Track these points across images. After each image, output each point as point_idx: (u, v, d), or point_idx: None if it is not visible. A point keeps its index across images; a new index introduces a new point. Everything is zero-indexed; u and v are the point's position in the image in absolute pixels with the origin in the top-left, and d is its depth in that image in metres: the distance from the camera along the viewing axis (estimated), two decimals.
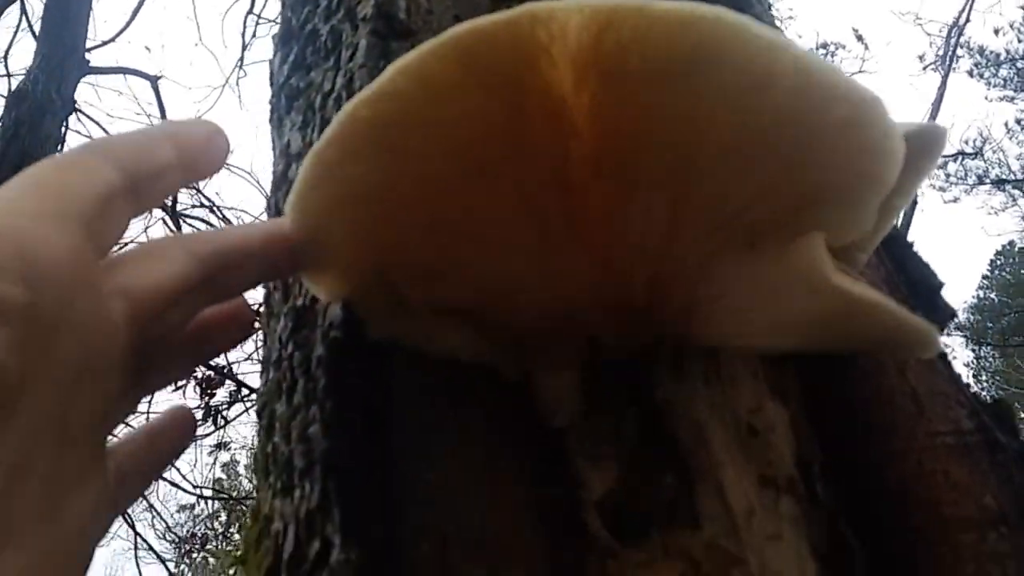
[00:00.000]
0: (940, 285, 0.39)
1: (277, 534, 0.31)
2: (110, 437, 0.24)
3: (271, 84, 0.52)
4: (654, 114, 0.24)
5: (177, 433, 0.28)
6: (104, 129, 3.92)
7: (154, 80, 3.85)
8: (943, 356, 0.35)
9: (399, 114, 0.24)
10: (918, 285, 0.39)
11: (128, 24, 3.84)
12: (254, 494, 0.38)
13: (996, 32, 8.24)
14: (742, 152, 0.24)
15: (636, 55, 0.22)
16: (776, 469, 0.32)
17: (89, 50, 3.49)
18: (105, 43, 3.79)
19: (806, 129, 0.23)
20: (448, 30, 0.23)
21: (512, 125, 0.25)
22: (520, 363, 0.33)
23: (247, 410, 3.71)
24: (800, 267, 0.24)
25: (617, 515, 0.31)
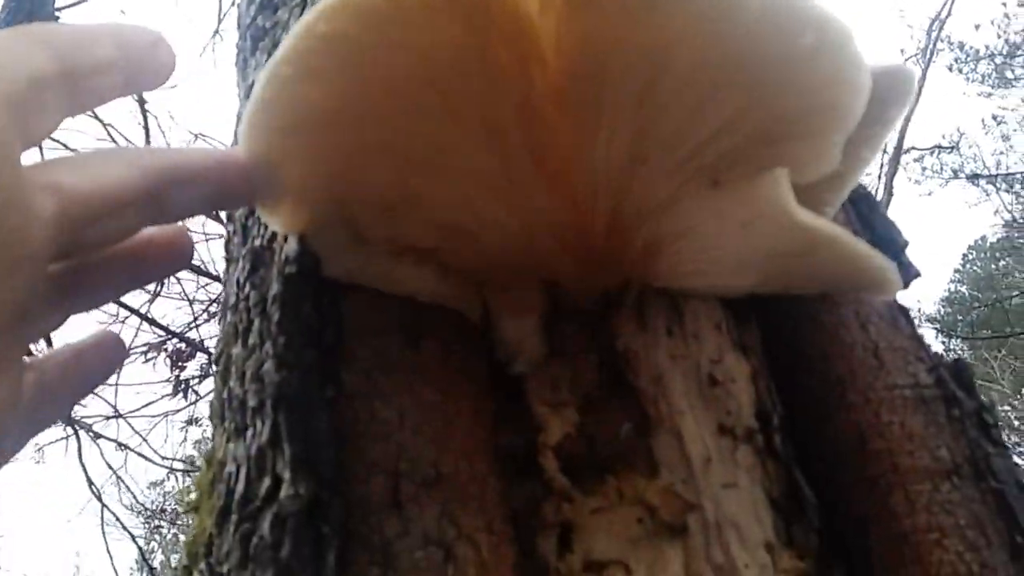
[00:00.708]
0: (905, 243, 0.39)
1: (229, 476, 0.31)
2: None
3: (238, 27, 0.50)
4: (621, 40, 0.24)
5: (105, 354, 0.27)
6: None
7: None
8: (905, 312, 0.35)
9: (362, 31, 0.24)
10: (884, 243, 0.38)
11: None
12: None
13: (976, 27, 8.31)
14: (707, 81, 0.24)
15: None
16: (735, 420, 0.32)
17: (59, 9, 3.37)
18: (77, 3, 3.67)
19: (772, 55, 0.23)
20: None
21: (478, 50, 0.24)
22: (481, 306, 0.33)
23: None
24: (764, 201, 0.24)
25: (574, 460, 0.31)
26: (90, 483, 3.22)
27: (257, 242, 0.35)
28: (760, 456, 0.32)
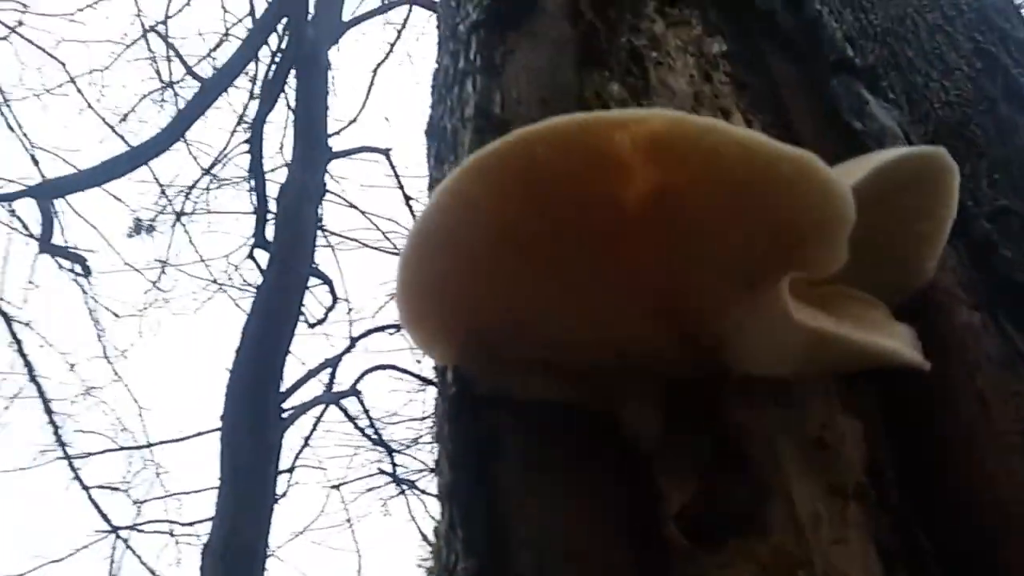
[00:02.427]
0: None
1: (439, 549, 0.41)
2: None
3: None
4: (687, 195, 0.30)
5: None
6: (354, 205, 4.52)
7: (386, 152, 4.33)
8: (1020, 355, 0.35)
9: (487, 189, 0.32)
10: (1003, 284, 0.39)
11: (359, 112, 4.38)
12: None
13: None
14: (730, 215, 0.29)
15: (688, 160, 0.28)
16: (845, 479, 0.35)
17: (331, 136, 4.05)
18: (340, 131, 4.37)
19: (760, 188, 0.28)
20: (551, 120, 0.30)
21: (584, 190, 0.31)
22: (603, 398, 0.40)
23: None
24: (774, 306, 0.28)
25: (695, 525, 0.36)
26: None
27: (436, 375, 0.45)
28: (871, 511, 0.34)
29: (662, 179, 0.29)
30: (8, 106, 4.45)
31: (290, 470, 3.87)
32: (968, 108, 0.70)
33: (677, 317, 0.34)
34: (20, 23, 4.56)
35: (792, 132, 0.49)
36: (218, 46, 4.67)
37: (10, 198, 3.49)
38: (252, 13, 4.38)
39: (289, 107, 3.87)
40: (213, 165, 4.67)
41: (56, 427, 4.11)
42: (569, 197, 0.31)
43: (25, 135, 4.38)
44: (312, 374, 4.02)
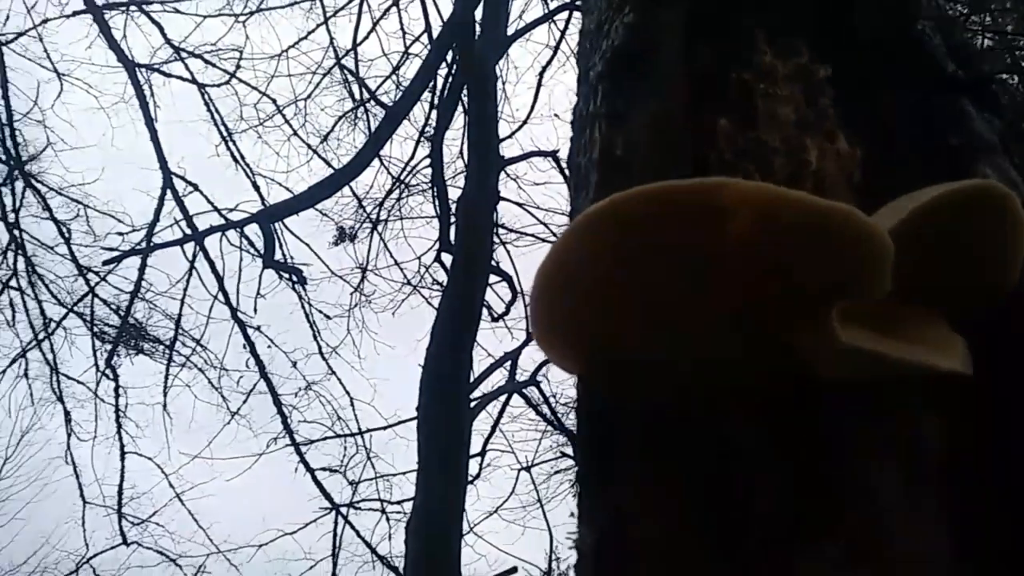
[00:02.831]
0: None
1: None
2: None
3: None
4: (773, 248, 0.37)
5: None
6: (525, 208, 4.75)
7: (553, 155, 4.49)
8: None
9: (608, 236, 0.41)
10: None
11: (528, 117, 4.60)
12: None
13: None
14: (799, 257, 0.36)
15: (780, 223, 0.35)
16: (924, 471, 0.40)
17: (501, 141, 4.28)
18: (511, 135, 4.61)
19: (819, 235, 0.34)
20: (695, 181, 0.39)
21: (706, 242, 0.39)
22: (705, 406, 0.47)
23: None
24: (829, 327, 0.35)
25: (786, 521, 0.43)
26: None
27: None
28: (949, 502, 0.39)
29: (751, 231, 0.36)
30: (233, 140, 5.15)
31: (481, 453, 4.18)
32: None
33: (762, 334, 0.41)
34: (239, 66, 5.23)
35: (895, 150, 0.53)
36: (399, 66, 5.09)
37: (240, 224, 4.09)
38: (428, 30, 4.73)
39: (466, 116, 4.15)
40: (402, 175, 5.09)
41: (284, 417, 4.70)
42: (668, 245, 0.39)
43: (247, 165, 5.05)
44: (496, 365, 4.28)
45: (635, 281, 0.42)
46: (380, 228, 5.18)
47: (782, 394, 0.44)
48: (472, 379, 3.29)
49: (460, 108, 4.51)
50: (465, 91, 3.43)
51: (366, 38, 4.98)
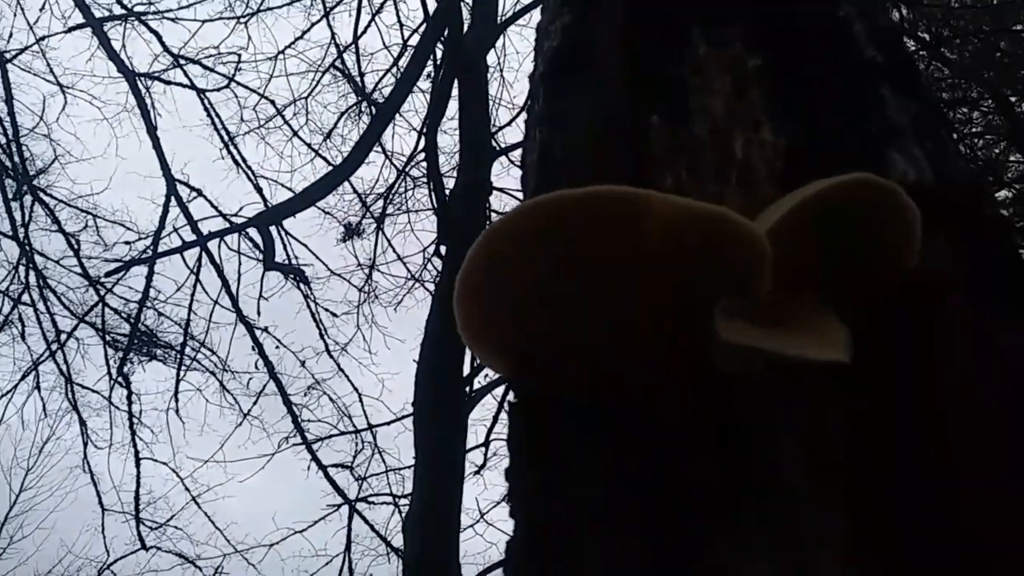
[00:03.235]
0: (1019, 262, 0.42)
1: None
2: None
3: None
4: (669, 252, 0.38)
5: None
6: (517, 198, 4.73)
7: None
8: (994, 338, 0.39)
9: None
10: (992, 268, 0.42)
11: (522, 110, 4.58)
12: None
13: None
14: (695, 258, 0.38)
15: (672, 228, 0.37)
16: (828, 454, 0.42)
17: (493, 134, 4.29)
18: (510, 122, 4.63)
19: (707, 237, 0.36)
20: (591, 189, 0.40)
21: (611, 245, 0.40)
22: (633, 396, 0.48)
23: None
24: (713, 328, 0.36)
25: (704, 497, 0.44)
26: None
27: None
28: (850, 483, 0.40)
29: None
30: (234, 144, 5.18)
31: (486, 443, 4.21)
32: None
33: (670, 332, 0.43)
34: (238, 69, 5.26)
35: (818, 137, 0.54)
36: (399, 58, 5.10)
37: (241, 228, 4.12)
38: (427, 19, 4.73)
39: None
40: (405, 167, 5.11)
41: (295, 416, 4.75)
42: (584, 249, 0.41)
43: (249, 167, 5.09)
44: None
45: (552, 284, 0.44)
46: (384, 223, 5.22)
47: (701, 385, 0.46)
48: (470, 370, 3.33)
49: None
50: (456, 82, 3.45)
51: (365, 31, 5.00)
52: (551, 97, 0.64)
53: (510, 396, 0.51)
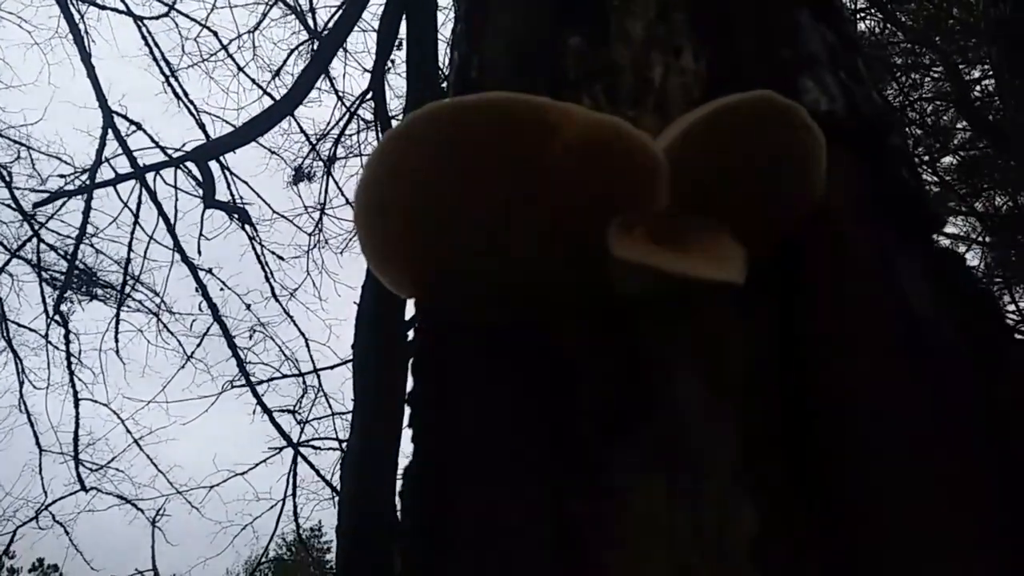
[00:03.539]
0: (919, 194, 0.42)
1: None
2: None
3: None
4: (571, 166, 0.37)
5: None
6: None
7: None
8: (889, 262, 0.39)
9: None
10: (893, 198, 0.42)
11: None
12: None
13: None
14: (592, 169, 0.36)
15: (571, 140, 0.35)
16: (725, 378, 0.41)
17: (445, 76, 4.17)
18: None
19: (608, 150, 0.34)
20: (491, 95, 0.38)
21: (511, 155, 0.39)
22: (537, 318, 0.47)
23: None
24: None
25: (603, 420, 0.44)
26: None
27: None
28: (744, 404, 0.40)
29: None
30: (175, 77, 4.96)
31: None
32: None
33: (569, 248, 0.42)
34: None
35: (739, 64, 0.53)
36: None
37: (178, 162, 3.97)
38: None
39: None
40: (354, 107, 4.97)
41: (240, 360, 4.68)
42: (492, 155, 0.39)
43: (191, 102, 4.88)
44: None
45: (453, 196, 0.42)
46: (334, 166, 5.09)
47: (601, 308, 0.45)
48: (412, 315, 3.30)
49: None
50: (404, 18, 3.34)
51: None
52: (470, 16, 0.61)
53: (418, 316, 0.50)
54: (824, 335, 0.39)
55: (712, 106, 0.36)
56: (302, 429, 4.63)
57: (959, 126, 6.47)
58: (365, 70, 4.54)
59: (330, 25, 4.67)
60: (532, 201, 0.40)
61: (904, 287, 0.38)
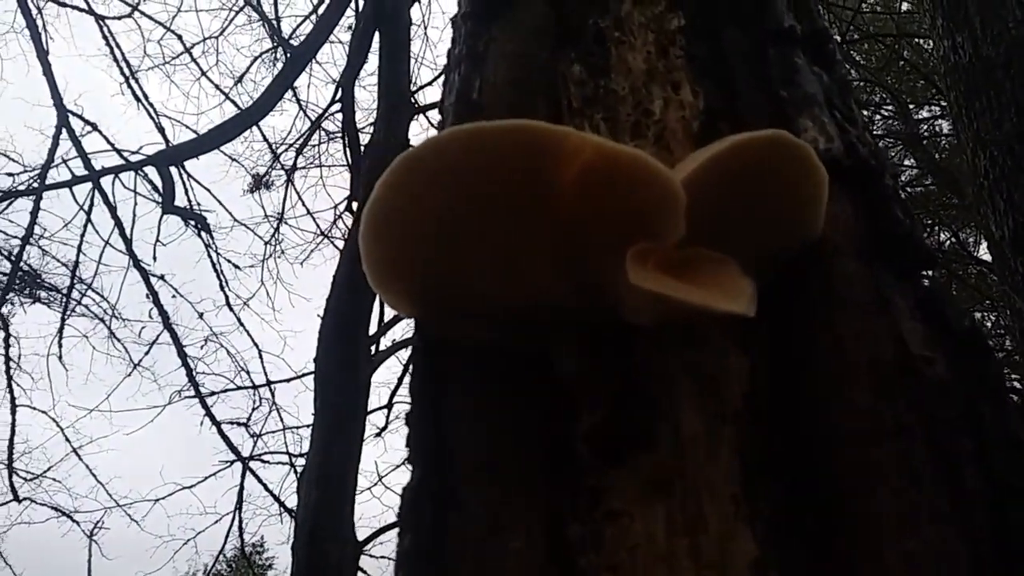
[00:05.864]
0: (910, 232, 0.44)
1: None
2: None
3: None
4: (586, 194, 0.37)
5: None
6: None
7: None
8: (885, 300, 0.41)
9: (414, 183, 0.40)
10: (888, 236, 0.44)
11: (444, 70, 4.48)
12: None
13: None
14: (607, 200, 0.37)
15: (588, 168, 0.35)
16: (726, 406, 0.42)
17: (414, 93, 4.20)
18: (432, 81, 4.53)
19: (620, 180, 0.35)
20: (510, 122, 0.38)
21: (527, 181, 0.39)
22: (534, 342, 0.48)
23: None
24: (623, 272, 0.36)
25: (600, 445, 0.44)
26: None
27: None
28: (743, 433, 0.41)
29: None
30: (135, 79, 4.86)
31: (388, 406, 4.19)
32: None
33: (579, 275, 0.42)
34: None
35: (735, 100, 0.54)
36: (319, 4, 4.89)
37: (136, 166, 3.88)
38: None
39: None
40: (319, 119, 4.93)
41: (189, 369, 4.57)
42: (500, 184, 0.39)
43: (151, 105, 4.78)
44: (399, 318, 4.27)
45: (463, 220, 0.42)
46: (295, 175, 5.04)
47: (602, 332, 0.46)
48: (376, 329, 3.27)
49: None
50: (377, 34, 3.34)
51: None
52: (473, 39, 0.62)
53: (416, 337, 0.49)
54: (823, 369, 0.40)
55: (727, 142, 0.37)
56: (255, 443, 4.53)
57: (906, 163, 6.73)
58: (332, 80, 4.53)
59: (298, 34, 4.65)
60: (546, 226, 0.40)
61: (900, 325, 0.40)
